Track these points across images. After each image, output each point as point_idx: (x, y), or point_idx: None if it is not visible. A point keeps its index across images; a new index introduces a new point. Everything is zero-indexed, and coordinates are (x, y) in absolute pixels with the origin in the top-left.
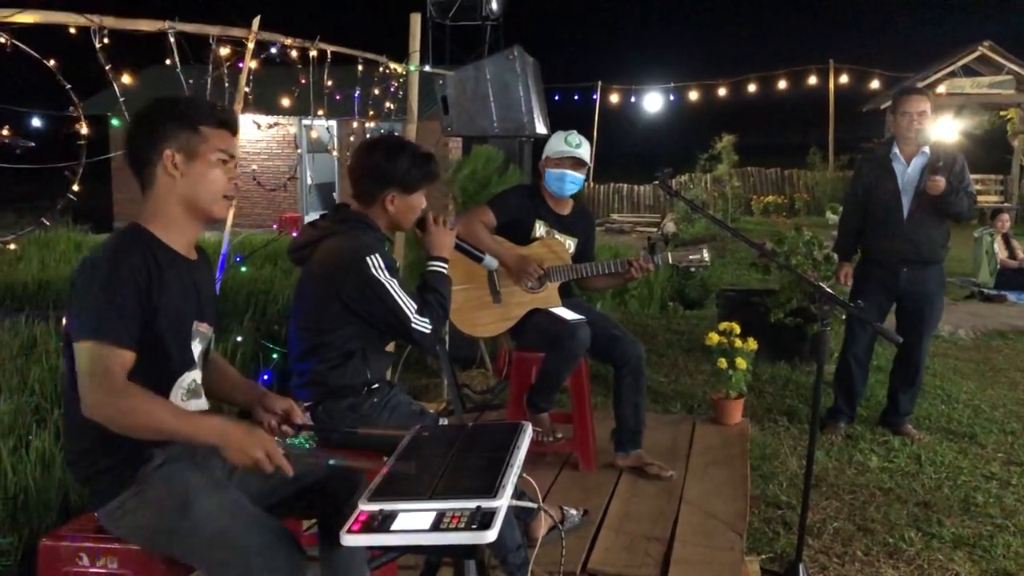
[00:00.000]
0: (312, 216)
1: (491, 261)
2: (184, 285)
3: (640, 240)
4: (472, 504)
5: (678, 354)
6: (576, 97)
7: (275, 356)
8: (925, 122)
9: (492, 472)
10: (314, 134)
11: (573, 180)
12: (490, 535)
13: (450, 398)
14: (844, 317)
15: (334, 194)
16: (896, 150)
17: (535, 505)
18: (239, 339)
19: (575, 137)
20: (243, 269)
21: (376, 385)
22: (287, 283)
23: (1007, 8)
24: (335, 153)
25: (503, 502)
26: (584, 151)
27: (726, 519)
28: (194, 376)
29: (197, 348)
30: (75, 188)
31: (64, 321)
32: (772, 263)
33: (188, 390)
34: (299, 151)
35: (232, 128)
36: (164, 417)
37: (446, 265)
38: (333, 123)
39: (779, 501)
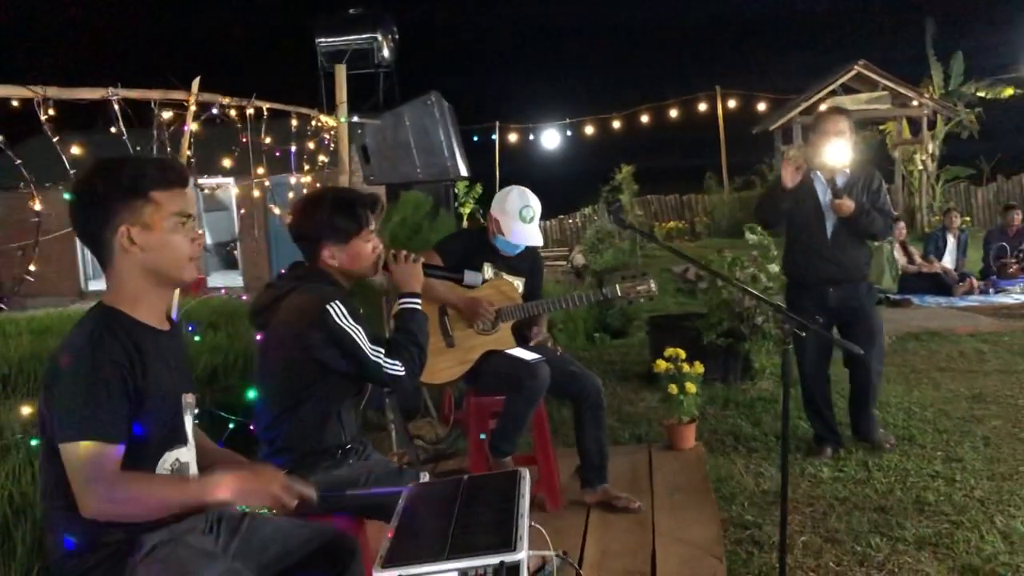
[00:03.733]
0: (214, 277)
1: (474, 276)
2: (166, 360)
3: (552, 272)
4: (494, 560)
5: (615, 383)
6: (475, 139)
7: (231, 425)
8: (837, 142)
9: (505, 525)
10: (206, 191)
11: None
12: None
13: (404, 450)
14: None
15: (235, 252)
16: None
17: (551, 553)
18: (195, 411)
19: (530, 210)
20: (196, 339)
21: (350, 446)
22: (238, 346)
23: (875, 32)
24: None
25: (524, 554)
26: (537, 219)
27: (703, 544)
28: (177, 455)
29: (189, 421)
30: (31, 268)
31: (41, 421)
32: (733, 284)
33: (172, 470)
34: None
35: (183, 182)
36: (168, 492)
37: (418, 300)
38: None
39: (745, 521)
